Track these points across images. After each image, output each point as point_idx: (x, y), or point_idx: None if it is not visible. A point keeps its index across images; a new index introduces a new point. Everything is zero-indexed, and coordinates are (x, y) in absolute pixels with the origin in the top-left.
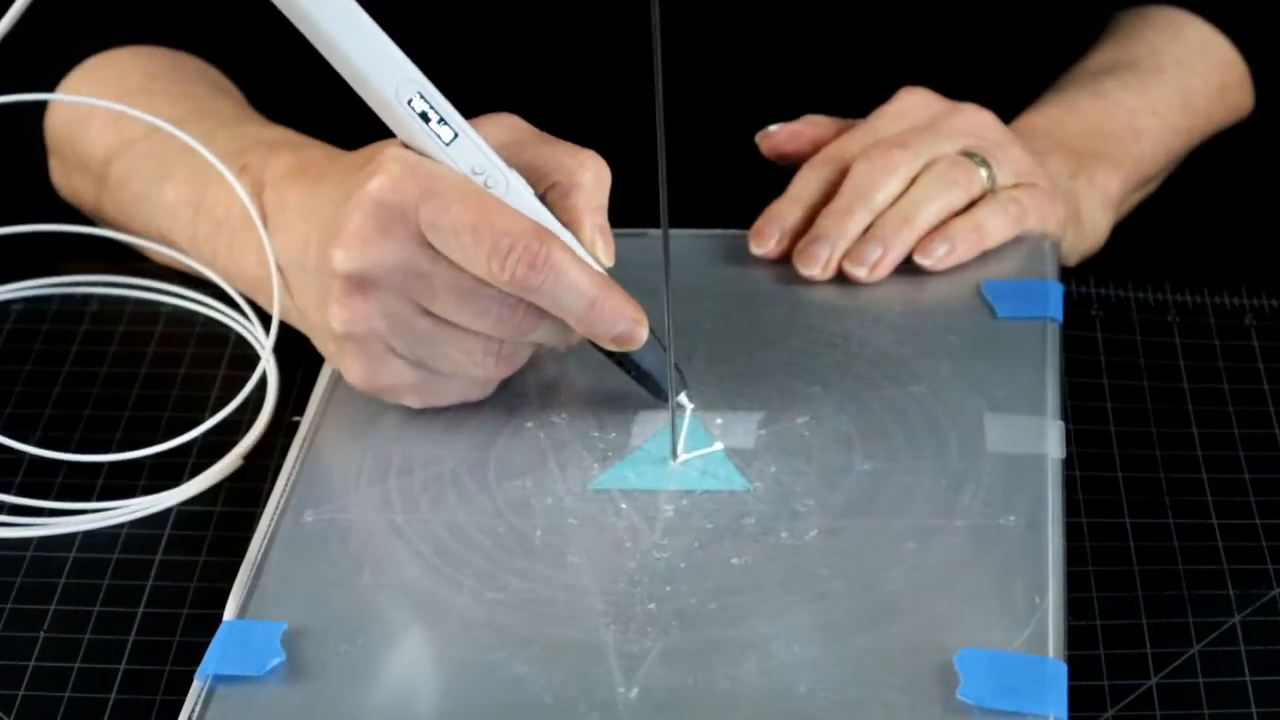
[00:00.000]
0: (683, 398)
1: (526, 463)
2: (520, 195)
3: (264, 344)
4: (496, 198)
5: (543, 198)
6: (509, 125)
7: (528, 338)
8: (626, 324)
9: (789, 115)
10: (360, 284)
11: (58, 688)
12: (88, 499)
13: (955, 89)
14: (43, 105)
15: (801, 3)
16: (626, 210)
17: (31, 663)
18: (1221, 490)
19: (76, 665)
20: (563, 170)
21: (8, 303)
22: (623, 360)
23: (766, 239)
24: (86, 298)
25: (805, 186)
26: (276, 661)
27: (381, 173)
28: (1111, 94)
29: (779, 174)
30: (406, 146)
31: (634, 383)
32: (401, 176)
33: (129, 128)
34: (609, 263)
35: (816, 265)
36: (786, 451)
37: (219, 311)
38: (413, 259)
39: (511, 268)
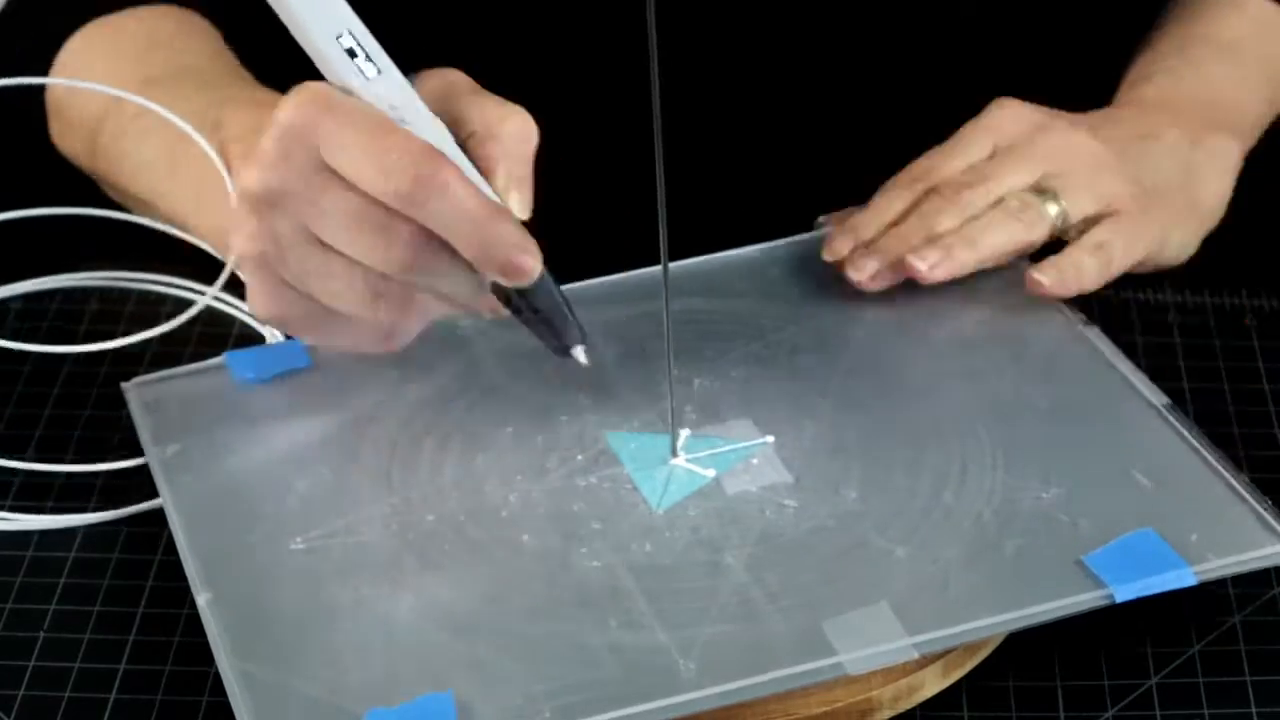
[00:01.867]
0: (579, 351)
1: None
2: (437, 136)
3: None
4: (398, 125)
5: (463, 145)
6: (445, 78)
7: (418, 278)
8: (513, 252)
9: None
10: (257, 204)
11: (58, 688)
12: (87, 499)
13: (955, 88)
14: (45, 70)
15: (801, 7)
16: (626, 219)
17: (31, 663)
18: None
19: (76, 665)
20: (485, 120)
21: (7, 300)
22: (520, 307)
23: (840, 249)
24: (86, 293)
25: (888, 206)
26: None
27: (292, 98)
28: (1205, 64)
29: (775, 181)
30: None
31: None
32: (307, 101)
33: (121, 88)
34: (523, 214)
35: (864, 273)
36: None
37: (223, 301)
38: (307, 180)
39: (397, 180)
